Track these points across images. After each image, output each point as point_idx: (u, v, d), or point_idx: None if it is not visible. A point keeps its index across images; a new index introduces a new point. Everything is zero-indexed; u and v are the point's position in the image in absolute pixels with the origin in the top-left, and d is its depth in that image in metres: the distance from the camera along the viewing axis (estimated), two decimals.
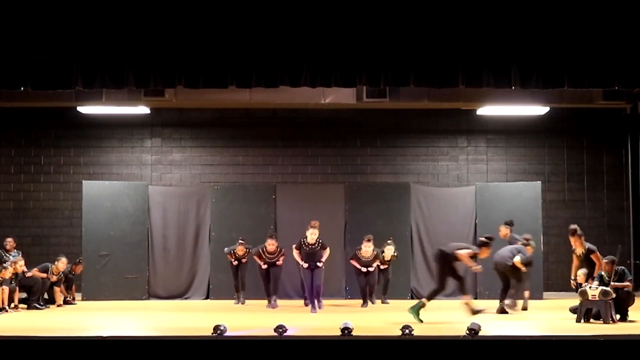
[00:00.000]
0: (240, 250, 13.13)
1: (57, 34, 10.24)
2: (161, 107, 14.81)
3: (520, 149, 15.41)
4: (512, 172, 15.38)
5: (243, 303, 13.05)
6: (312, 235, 12.05)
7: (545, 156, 15.40)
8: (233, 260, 13.19)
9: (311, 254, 12.02)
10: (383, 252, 13.20)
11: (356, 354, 8.02)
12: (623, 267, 10.57)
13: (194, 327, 9.47)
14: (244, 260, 13.24)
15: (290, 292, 13.82)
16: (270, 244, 12.62)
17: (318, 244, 12.08)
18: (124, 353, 8.00)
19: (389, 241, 13.35)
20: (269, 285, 12.72)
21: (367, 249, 12.70)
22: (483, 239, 10.99)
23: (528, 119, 15.03)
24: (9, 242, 13.29)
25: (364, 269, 12.78)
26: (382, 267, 13.26)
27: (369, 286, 12.90)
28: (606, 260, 10.61)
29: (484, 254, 10.90)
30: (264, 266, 12.65)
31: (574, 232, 11.39)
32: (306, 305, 12.27)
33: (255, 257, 12.80)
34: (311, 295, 11.93)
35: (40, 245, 14.54)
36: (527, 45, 10.37)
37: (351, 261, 12.90)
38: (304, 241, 12.05)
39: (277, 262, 12.70)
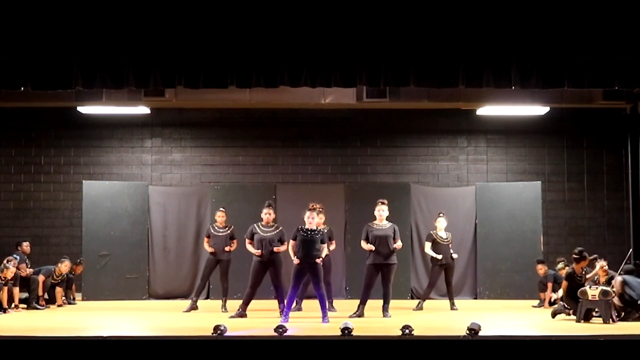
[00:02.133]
0: (220, 222, 11.80)
1: (57, 34, 10.24)
2: (161, 107, 14.81)
3: (520, 149, 15.41)
4: (512, 172, 15.38)
5: (226, 310, 11.62)
6: (309, 219, 10.40)
7: (545, 156, 15.40)
8: (209, 245, 11.85)
9: (308, 242, 10.29)
10: (433, 231, 12.29)
11: (356, 354, 8.02)
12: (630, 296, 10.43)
13: (194, 327, 9.47)
14: (227, 249, 11.76)
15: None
16: (266, 213, 11.03)
17: (319, 232, 10.41)
18: (124, 353, 8.00)
19: (440, 214, 12.53)
20: (253, 291, 10.86)
21: (381, 212, 11.10)
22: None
23: (528, 119, 15.03)
24: (26, 245, 13.28)
25: (372, 247, 10.83)
26: (434, 256, 12.04)
27: (383, 288, 10.92)
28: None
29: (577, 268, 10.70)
30: (257, 252, 10.82)
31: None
32: (281, 312, 10.59)
33: (248, 245, 11.03)
34: (291, 300, 10.37)
35: (40, 245, 14.53)
36: (527, 45, 10.37)
37: (362, 243, 11.14)
38: (301, 228, 10.44)
39: (276, 248, 10.87)
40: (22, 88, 10.57)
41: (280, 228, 11.20)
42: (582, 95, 14.19)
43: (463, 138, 15.41)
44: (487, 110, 14.59)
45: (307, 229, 10.39)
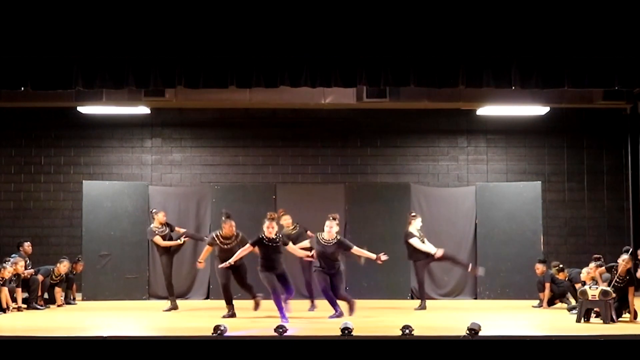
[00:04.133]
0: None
1: (57, 34, 10.24)
2: (161, 107, 14.81)
3: (520, 149, 15.41)
4: (512, 172, 15.38)
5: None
6: (268, 229, 10.61)
7: (545, 156, 15.40)
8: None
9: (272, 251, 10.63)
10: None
11: (356, 354, 8.02)
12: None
13: (194, 327, 9.47)
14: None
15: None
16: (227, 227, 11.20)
17: (278, 239, 10.61)
18: (124, 353, 8.00)
19: (412, 214, 12.42)
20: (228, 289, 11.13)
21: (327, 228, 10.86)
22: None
23: (528, 119, 15.03)
24: (28, 246, 13.31)
25: (308, 255, 11.09)
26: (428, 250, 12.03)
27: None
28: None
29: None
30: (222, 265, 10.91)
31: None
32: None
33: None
34: (280, 303, 10.50)
35: (40, 245, 14.52)
36: (527, 45, 10.37)
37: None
38: (262, 237, 10.59)
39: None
40: (22, 88, 10.58)
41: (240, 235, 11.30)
42: (582, 95, 14.19)
43: (463, 138, 15.41)
44: (487, 110, 14.59)
45: (269, 238, 10.52)
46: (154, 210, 12.60)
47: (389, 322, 10.04)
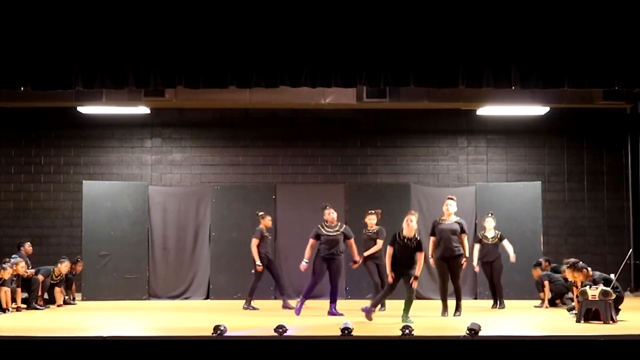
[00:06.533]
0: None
1: (57, 34, 10.24)
2: (161, 107, 14.82)
3: (520, 149, 15.41)
4: (512, 172, 15.38)
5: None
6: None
7: (545, 156, 15.40)
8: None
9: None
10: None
11: (356, 354, 8.02)
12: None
13: (194, 327, 9.47)
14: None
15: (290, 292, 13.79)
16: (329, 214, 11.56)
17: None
18: (124, 353, 8.00)
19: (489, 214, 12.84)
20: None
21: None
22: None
23: (528, 119, 15.03)
24: (28, 246, 13.31)
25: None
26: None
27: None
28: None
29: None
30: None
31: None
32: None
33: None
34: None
35: (40, 245, 14.53)
36: (527, 45, 10.37)
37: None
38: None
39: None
40: (22, 88, 10.58)
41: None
42: (582, 95, 14.19)
43: (463, 138, 15.41)
44: (487, 110, 14.60)
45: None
46: (261, 214, 12.47)
47: (389, 322, 10.04)
